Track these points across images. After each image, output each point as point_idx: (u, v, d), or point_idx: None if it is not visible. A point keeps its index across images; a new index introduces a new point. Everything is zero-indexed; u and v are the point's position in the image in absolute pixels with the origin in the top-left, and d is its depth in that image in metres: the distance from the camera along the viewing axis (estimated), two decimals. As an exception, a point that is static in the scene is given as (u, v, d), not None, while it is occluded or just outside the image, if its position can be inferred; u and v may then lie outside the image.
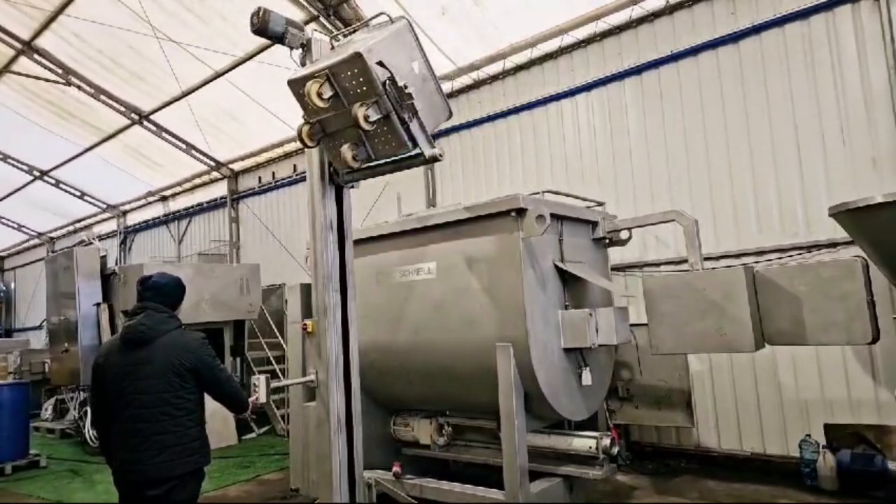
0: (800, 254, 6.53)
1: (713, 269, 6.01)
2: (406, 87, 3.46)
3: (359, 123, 3.47)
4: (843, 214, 4.99)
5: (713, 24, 7.22)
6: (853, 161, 6.31)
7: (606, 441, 5.26)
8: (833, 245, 6.31)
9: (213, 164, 13.92)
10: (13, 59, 11.74)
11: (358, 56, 3.36)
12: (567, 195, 6.60)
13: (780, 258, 6.63)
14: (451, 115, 4.07)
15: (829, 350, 6.25)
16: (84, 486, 7.82)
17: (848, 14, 6.39)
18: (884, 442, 5.85)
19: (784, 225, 6.69)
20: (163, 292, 3.64)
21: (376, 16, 3.97)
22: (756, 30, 6.91)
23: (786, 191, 6.70)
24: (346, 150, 3.67)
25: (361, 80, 3.46)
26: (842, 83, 6.40)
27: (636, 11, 7.72)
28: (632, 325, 5.84)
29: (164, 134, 13.09)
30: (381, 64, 3.44)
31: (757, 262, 6.60)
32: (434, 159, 3.73)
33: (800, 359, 6.50)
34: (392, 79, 3.43)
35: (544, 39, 8.51)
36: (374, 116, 3.50)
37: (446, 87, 9.83)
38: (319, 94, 3.49)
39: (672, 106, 7.54)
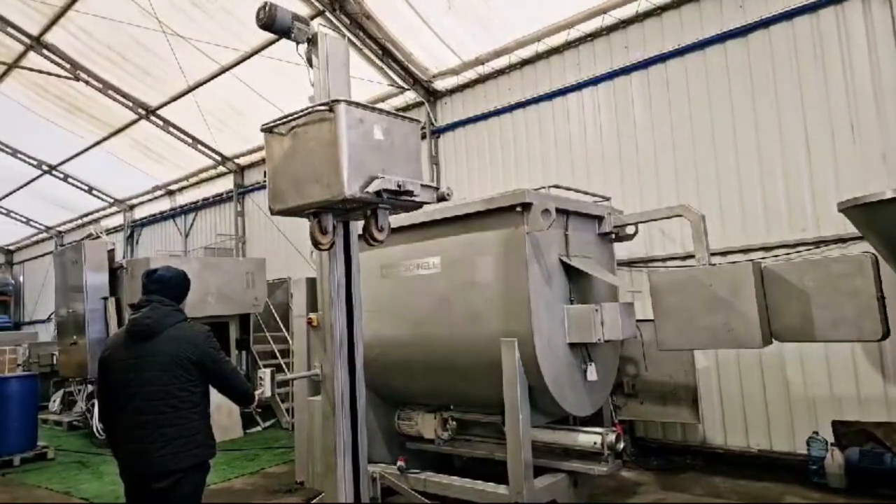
0: (808, 249, 6.47)
1: (720, 264, 5.97)
2: (401, 185, 3.43)
3: (377, 239, 3.69)
4: (853, 209, 4.94)
5: (721, 18, 7.15)
6: (863, 156, 6.24)
7: (611, 437, 5.25)
8: (842, 241, 6.25)
9: (219, 158, 13.95)
10: (22, 55, 11.79)
11: (345, 200, 3.33)
12: (573, 190, 6.58)
13: (787, 254, 6.58)
14: (420, 123, 3.99)
15: (838, 346, 6.20)
16: (91, 478, 7.88)
17: (858, 7, 6.31)
18: (893, 439, 5.79)
19: (792, 220, 6.64)
20: (168, 285, 3.65)
21: (311, 109, 3.47)
22: (765, 23, 6.84)
23: (794, 186, 6.64)
24: (373, 230, 3.76)
25: (356, 205, 3.52)
26: (851, 77, 6.33)
27: (643, 5, 7.66)
28: (638, 320, 5.80)
29: (170, 128, 13.13)
30: (368, 181, 3.36)
31: (764, 258, 6.56)
32: (442, 199, 3.79)
33: (808, 355, 6.45)
34: (385, 189, 3.39)
35: (550, 34, 8.47)
36: (386, 223, 3.71)
37: (451, 81, 9.83)
38: (323, 231, 3.62)
39: (679, 100, 7.49)
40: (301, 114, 3.49)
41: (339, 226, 3.88)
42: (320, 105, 3.42)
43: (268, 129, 3.66)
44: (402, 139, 3.67)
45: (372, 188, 3.33)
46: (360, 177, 3.33)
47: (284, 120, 3.58)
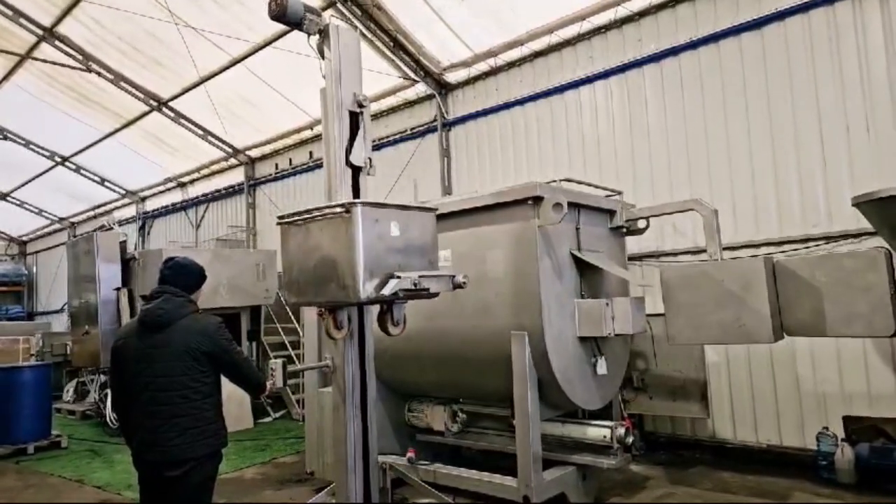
0: (820, 245, 6.42)
1: (732, 259, 5.94)
2: (417, 284, 3.42)
3: (391, 333, 3.73)
4: (867, 204, 4.90)
5: (736, 10, 7.07)
6: (877, 150, 6.17)
7: (621, 430, 5.26)
8: (855, 236, 6.19)
9: (230, 150, 14.00)
10: (35, 46, 11.87)
11: (361, 302, 3.34)
12: (584, 183, 6.55)
13: (802, 248, 6.53)
14: (435, 210, 3.89)
15: (849, 342, 6.16)
16: (104, 466, 7.98)
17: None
18: (903, 436, 5.77)
19: (805, 215, 6.58)
20: (183, 273, 3.69)
21: (327, 209, 3.47)
22: (780, 15, 6.76)
23: (807, 180, 6.58)
24: (388, 325, 3.78)
25: (372, 303, 3.53)
26: (867, 70, 6.25)
27: (657, -3, 7.60)
28: (648, 314, 5.80)
29: (182, 120, 13.19)
30: (384, 280, 3.32)
31: (777, 253, 6.51)
32: (459, 286, 3.75)
33: (819, 350, 6.41)
34: (403, 289, 3.36)
35: (563, 25, 8.41)
36: (402, 316, 3.76)
37: (463, 73, 9.80)
38: (337, 326, 3.67)
39: (692, 93, 7.43)
40: (318, 212, 3.47)
41: (353, 315, 3.89)
42: (337, 206, 3.40)
43: (284, 222, 3.66)
44: (419, 231, 3.65)
45: (388, 290, 3.31)
46: (375, 278, 3.31)
47: (301, 216, 3.56)
